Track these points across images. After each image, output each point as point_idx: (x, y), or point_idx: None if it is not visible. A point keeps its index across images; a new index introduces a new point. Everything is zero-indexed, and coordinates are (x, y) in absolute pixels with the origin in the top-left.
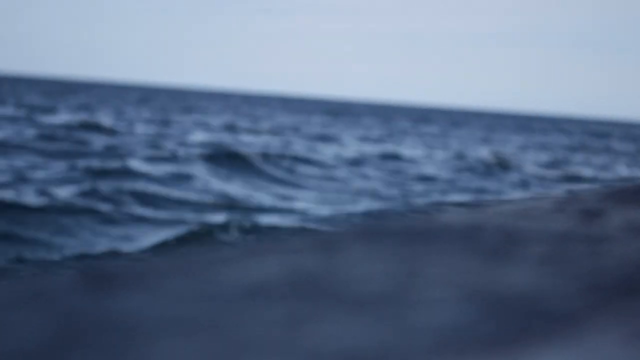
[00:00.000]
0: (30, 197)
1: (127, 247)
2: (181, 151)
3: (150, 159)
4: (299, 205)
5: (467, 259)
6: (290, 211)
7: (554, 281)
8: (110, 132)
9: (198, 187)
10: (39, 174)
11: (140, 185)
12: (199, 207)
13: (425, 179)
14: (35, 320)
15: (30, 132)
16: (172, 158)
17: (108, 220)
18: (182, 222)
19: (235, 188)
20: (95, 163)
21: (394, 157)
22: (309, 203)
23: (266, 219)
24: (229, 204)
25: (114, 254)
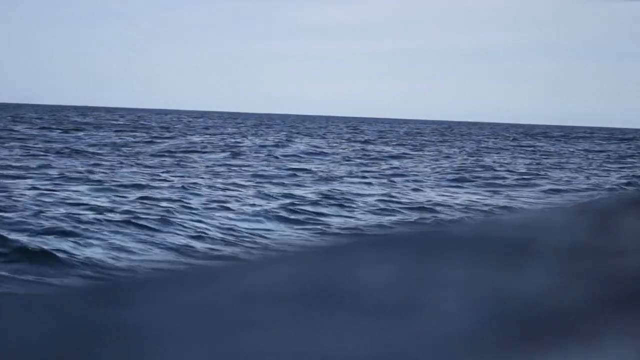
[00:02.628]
0: None
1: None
2: None
3: None
4: None
5: (477, 270)
6: None
7: (564, 292)
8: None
9: None
10: None
11: None
12: None
13: None
14: (46, 332)
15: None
16: None
17: None
18: None
19: None
20: None
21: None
22: None
23: None
24: None
25: (126, 269)
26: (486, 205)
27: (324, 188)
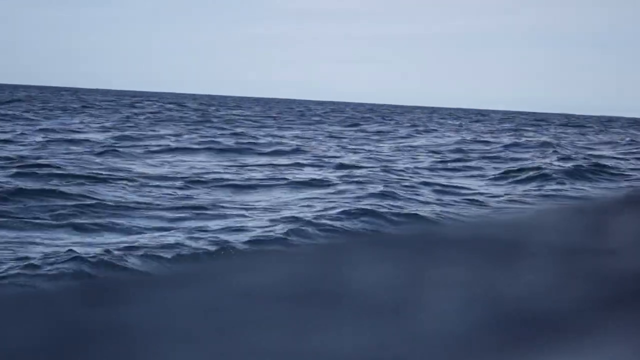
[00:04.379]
0: None
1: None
2: None
3: None
4: None
5: (473, 269)
6: None
7: (560, 292)
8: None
9: None
10: None
11: None
12: None
13: None
14: (39, 329)
15: None
16: None
17: None
18: None
19: None
20: None
21: None
22: None
23: None
24: None
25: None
26: None
27: None
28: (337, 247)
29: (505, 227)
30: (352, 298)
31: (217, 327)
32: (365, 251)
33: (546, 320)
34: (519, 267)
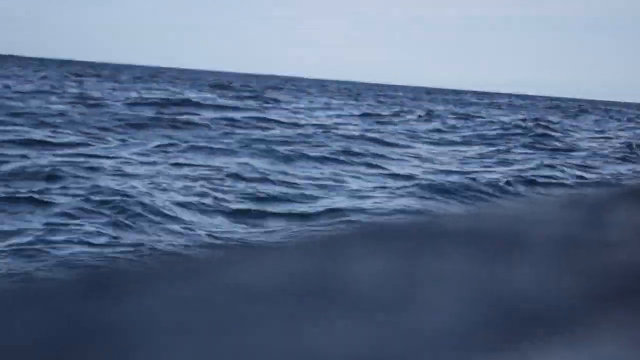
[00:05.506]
0: None
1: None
2: None
3: None
4: None
5: (468, 262)
6: None
7: (557, 286)
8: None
9: None
10: None
11: None
12: None
13: None
14: (36, 322)
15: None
16: None
17: None
18: None
19: None
20: None
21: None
22: None
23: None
24: None
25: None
26: None
27: None
28: (333, 241)
29: (504, 218)
30: (346, 293)
31: (214, 325)
32: (360, 244)
33: (545, 316)
34: (518, 260)
